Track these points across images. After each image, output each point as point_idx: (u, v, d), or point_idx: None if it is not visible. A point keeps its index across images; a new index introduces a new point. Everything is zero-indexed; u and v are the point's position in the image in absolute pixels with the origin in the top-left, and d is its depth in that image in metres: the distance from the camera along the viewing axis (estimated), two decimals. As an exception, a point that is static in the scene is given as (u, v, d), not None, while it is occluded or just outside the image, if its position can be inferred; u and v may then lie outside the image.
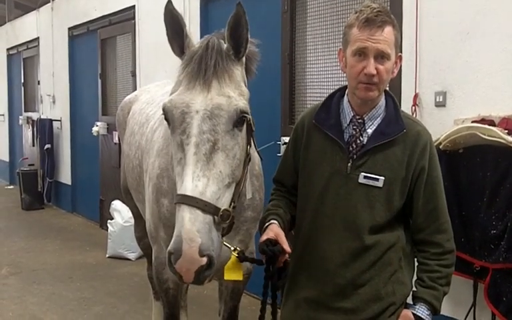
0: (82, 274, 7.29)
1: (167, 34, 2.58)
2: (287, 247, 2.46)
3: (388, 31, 2.41)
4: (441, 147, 3.78)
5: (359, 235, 2.48)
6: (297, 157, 2.71)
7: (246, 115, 2.45)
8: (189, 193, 2.24)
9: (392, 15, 2.49)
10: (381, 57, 2.41)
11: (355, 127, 2.54)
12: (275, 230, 2.51)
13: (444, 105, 4.09)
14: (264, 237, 2.49)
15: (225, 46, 2.53)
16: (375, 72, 2.40)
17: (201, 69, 2.43)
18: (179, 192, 2.30)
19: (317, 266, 2.57)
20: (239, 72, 2.56)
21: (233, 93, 2.43)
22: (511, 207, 3.46)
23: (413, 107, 4.22)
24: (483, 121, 3.72)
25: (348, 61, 2.49)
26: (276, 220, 2.58)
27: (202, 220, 2.22)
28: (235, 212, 2.47)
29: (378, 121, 2.53)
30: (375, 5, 2.47)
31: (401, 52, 4.22)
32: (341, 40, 2.59)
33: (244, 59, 2.62)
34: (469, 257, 3.73)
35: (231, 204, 2.41)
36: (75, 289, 6.72)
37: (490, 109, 3.79)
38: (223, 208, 2.33)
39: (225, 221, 2.34)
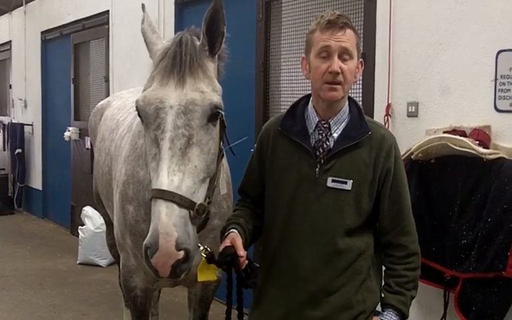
0: (52, 280, 7.20)
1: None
2: (240, 251, 2.44)
3: (349, 32, 2.47)
4: (412, 157, 3.81)
5: (330, 240, 2.49)
6: (262, 167, 2.71)
7: (220, 110, 2.46)
8: (164, 188, 2.24)
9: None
10: (343, 56, 2.44)
11: (320, 132, 2.56)
12: (231, 237, 2.50)
13: (416, 116, 4.12)
14: (221, 246, 2.48)
15: (197, 42, 2.54)
16: (339, 69, 2.43)
17: (175, 64, 2.42)
18: (154, 187, 2.29)
19: (288, 275, 2.56)
20: (212, 68, 2.57)
21: (206, 88, 2.44)
22: (482, 217, 3.49)
23: (386, 117, 4.26)
24: (454, 131, 3.76)
25: (312, 63, 2.52)
26: (235, 229, 2.56)
27: (178, 214, 2.22)
28: (210, 207, 2.49)
29: (343, 125, 2.56)
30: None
31: (374, 62, 4.32)
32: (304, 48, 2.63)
33: (217, 55, 2.63)
34: (440, 267, 3.75)
35: (206, 199, 2.42)
36: (45, 295, 6.63)
37: (461, 119, 3.83)
38: (198, 202, 2.34)
39: (200, 215, 2.35)
